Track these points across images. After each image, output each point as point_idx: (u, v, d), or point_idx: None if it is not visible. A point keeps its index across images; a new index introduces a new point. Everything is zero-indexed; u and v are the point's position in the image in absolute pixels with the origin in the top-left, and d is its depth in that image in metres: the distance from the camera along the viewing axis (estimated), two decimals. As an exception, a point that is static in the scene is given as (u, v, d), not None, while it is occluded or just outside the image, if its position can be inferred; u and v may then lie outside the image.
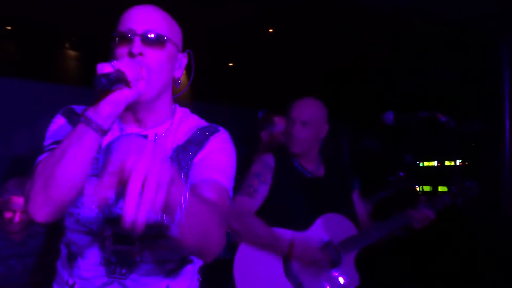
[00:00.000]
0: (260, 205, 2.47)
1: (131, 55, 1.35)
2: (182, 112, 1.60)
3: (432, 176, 6.15)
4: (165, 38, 1.41)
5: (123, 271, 1.42)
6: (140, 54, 1.36)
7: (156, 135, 1.48)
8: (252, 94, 6.77)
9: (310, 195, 2.50)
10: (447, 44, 5.16)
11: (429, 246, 4.81)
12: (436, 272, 4.79)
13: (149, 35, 1.38)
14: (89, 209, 1.40)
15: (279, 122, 3.31)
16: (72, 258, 1.45)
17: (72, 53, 5.12)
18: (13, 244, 3.06)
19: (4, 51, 4.67)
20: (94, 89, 1.25)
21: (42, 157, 1.38)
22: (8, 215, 3.00)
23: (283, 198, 2.47)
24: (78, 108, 1.50)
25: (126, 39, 1.38)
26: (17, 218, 3.01)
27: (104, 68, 1.23)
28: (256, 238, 2.40)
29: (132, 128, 1.48)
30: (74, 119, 1.45)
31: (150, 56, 1.38)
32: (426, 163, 6.37)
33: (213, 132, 1.56)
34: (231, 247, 2.81)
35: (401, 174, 2.97)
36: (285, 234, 2.42)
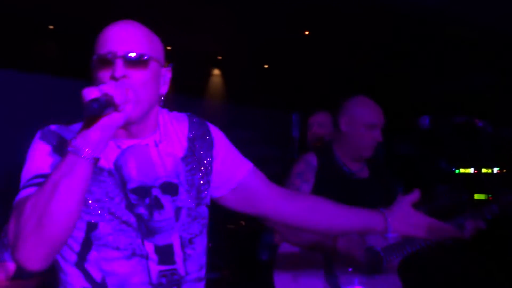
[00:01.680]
0: None
1: (114, 78, 1.29)
2: (160, 113, 1.52)
3: (468, 184, 6.02)
4: (147, 57, 1.34)
5: None
6: (124, 76, 1.30)
7: (155, 141, 1.44)
8: (286, 96, 6.78)
9: (353, 196, 2.44)
10: (483, 48, 5.06)
11: (472, 253, 4.69)
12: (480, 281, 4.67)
13: (130, 56, 1.31)
14: (125, 231, 1.35)
15: (323, 123, 3.32)
16: None
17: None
18: None
19: (44, 49, 4.79)
20: (81, 115, 1.20)
21: (23, 194, 1.27)
22: None
23: (326, 197, 2.44)
24: (58, 129, 1.40)
25: (107, 62, 1.31)
26: None
27: (91, 93, 1.18)
28: (299, 236, 2.38)
29: (128, 141, 1.41)
30: (58, 146, 1.35)
31: (134, 77, 1.32)
32: (462, 170, 6.25)
33: (203, 121, 1.57)
34: (269, 248, 2.82)
35: (457, 184, 2.84)
36: None
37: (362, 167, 2.58)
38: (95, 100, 1.15)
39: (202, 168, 1.50)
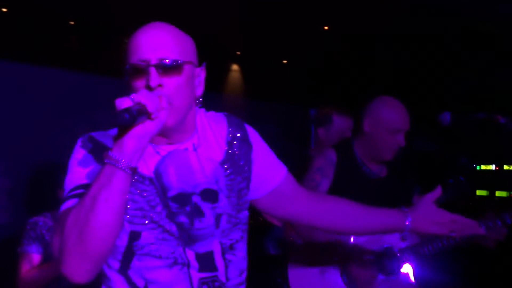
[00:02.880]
0: None
1: (149, 88, 1.27)
2: (197, 113, 1.51)
3: (489, 180, 5.94)
4: (180, 62, 1.32)
5: None
6: (159, 85, 1.28)
7: (193, 144, 1.43)
8: (305, 91, 6.75)
9: (371, 195, 2.41)
10: (506, 44, 4.97)
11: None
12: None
13: (164, 64, 1.30)
14: (167, 240, 1.35)
15: (336, 120, 3.29)
16: None
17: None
18: None
19: (67, 45, 4.85)
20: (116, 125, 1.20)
21: (68, 204, 1.27)
22: None
23: (344, 195, 2.44)
24: (98, 136, 1.40)
25: (140, 71, 1.30)
26: None
27: (123, 103, 1.17)
28: (316, 237, 2.37)
29: (168, 147, 1.41)
30: (98, 153, 1.34)
31: (169, 84, 1.30)
32: (483, 167, 6.17)
33: (241, 123, 1.57)
34: (279, 243, 2.82)
35: (462, 178, 2.81)
36: None
37: (381, 166, 2.56)
38: (126, 110, 1.14)
39: (242, 172, 1.49)
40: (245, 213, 1.50)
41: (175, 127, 1.35)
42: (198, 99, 1.43)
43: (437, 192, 1.67)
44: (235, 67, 6.32)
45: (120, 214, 1.20)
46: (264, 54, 6.11)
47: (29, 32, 4.49)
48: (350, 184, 2.45)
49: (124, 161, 1.18)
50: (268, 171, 1.58)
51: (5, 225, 4.08)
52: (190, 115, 1.42)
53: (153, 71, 1.28)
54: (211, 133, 1.49)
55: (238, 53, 6.21)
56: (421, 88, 6.36)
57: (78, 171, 1.33)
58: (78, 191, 1.28)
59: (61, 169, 3.29)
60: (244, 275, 1.48)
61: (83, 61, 4.89)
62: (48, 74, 4.57)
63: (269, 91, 6.35)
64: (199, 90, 1.43)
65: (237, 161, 1.49)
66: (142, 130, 1.21)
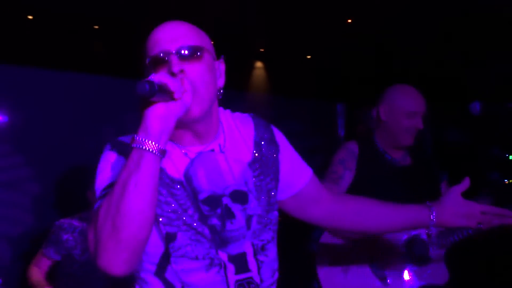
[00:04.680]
0: (344, 192, 2.46)
1: (172, 74, 1.28)
2: (222, 114, 1.52)
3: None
4: (200, 49, 1.35)
5: None
6: (181, 71, 1.30)
7: (220, 145, 1.44)
8: (330, 86, 6.71)
9: (397, 184, 2.46)
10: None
11: None
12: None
13: (184, 51, 1.32)
14: (201, 242, 1.35)
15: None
16: None
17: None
18: None
19: (91, 49, 4.90)
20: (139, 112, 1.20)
21: (98, 205, 1.27)
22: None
23: (369, 186, 2.44)
24: (126, 139, 1.40)
25: (161, 61, 1.32)
26: None
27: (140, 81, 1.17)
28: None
29: (194, 148, 1.41)
30: (128, 155, 1.31)
31: (191, 71, 1.32)
32: (516, 156, 6.02)
33: (268, 124, 1.57)
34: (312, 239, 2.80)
35: (504, 180, 2.70)
36: None
37: (404, 155, 2.58)
38: (148, 81, 1.13)
39: (270, 173, 1.49)
40: (275, 214, 1.50)
41: (201, 117, 1.35)
42: (220, 91, 1.43)
43: (466, 183, 1.64)
44: (259, 64, 6.31)
45: (152, 199, 1.18)
46: (287, 50, 6.08)
47: (55, 38, 4.56)
48: (375, 174, 2.48)
49: (151, 143, 1.17)
50: (294, 173, 1.58)
51: (35, 230, 4.16)
52: (214, 108, 1.43)
53: (174, 59, 1.30)
54: (238, 134, 1.49)
55: (262, 50, 6.19)
56: (451, 79, 6.24)
57: (108, 172, 1.33)
58: (109, 190, 1.26)
59: (90, 172, 3.36)
60: (276, 276, 1.48)
61: (109, 64, 4.94)
62: (75, 79, 4.65)
63: (294, 88, 6.33)
64: (221, 81, 1.44)
65: (265, 162, 1.48)
66: (165, 110, 1.20)
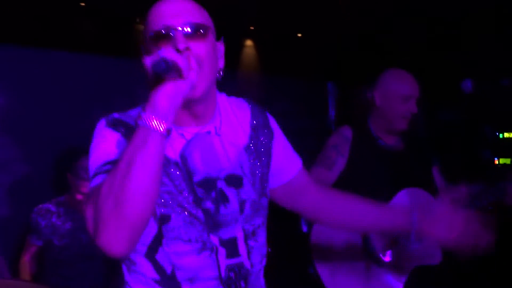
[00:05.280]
0: (336, 177, 2.47)
1: (178, 51, 1.26)
2: (218, 96, 1.51)
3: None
4: (205, 27, 1.33)
5: (242, 285, 1.39)
6: (187, 49, 1.28)
7: (215, 128, 1.42)
8: (321, 65, 6.67)
9: (390, 169, 2.47)
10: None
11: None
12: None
13: (189, 28, 1.30)
14: (194, 225, 1.33)
15: None
16: (178, 285, 1.35)
17: (142, 27, 5.22)
18: (78, 217, 3.20)
19: (78, 26, 4.81)
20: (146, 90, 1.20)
21: (97, 181, 1.26)
22: (79, 197, 3.13)
23: (362, 171, 2.46)
24: (121, 116, 1.40)
25: (164, 37, 1.30)
26: None
27: (152, 58, 1.18)
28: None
29: (191, 129, 1.40)
30: (124, 132, 1.34)
31: (196, 48, 1.30)
32: (506, 135, 6.05)
33: (263, 109, 1.56)
34: (307, 221, 2.81)
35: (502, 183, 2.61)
36: None
37: (397, 140, 2.61)
38: (163, 59, 1.14)
39: (263, 159, 1.48)
40: (266, 200, 1.49)
41: (203, 96, 1.34)
42: (219, 72, 1.41)
43: (460, 192, 1.66)
44: (249, 42, 6.24)
45: (156, 177, 1.16)
46: (278, 28, 6.01)
47: (40, 16, 4.46)
48: (367, 159, 2.50)
49: (158, 121, 1.16)
50: (285, 162, 1.57)
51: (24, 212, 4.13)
52: (213, 89, 1.42)
53: (179, 35, 1.28)
54: (234, 118, 1.48)
55: (252, 28, 6.11)
56: (443, 57, 6.22)
57: (105, 148, 1.31)
58: (108, 166, 1.26)
59: (78, 154, 3.32)
60: (264, 262, 1.48)
61: (96, 43, 4.86)
62: (62, 58, 4.57)
63: (285, 66, 6.28)
64: (221, 62, 1.42)
65: (259, 147, 1.47)
66: (174, 89, 1.19)
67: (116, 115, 1.39)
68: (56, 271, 3.17)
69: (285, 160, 1.57)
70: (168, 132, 1.18)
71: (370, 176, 2.46)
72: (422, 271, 2.40)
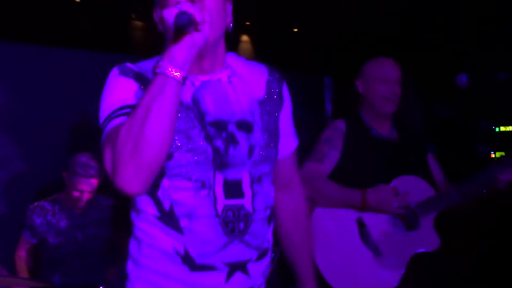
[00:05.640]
0: (330, 170, 2.47)
1: (191, 1, 1.31)
2: (231, 55, 1.56)
3: (508, 142, 5.85)
4: None
5: (241, 227, 1.40)
6: (200, 0, 1.33)
7: (228, 77, 1.47)
8: (318, 59, 6.66)
9: (385, 158, 2.49)
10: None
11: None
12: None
13: None
14: (199, 163, 1.36)
15: None
16: (176, 221, 1.37)
17: (138, 23, 5.21)
18: (74, 215, 3.19)
19: (74, 23, 4.80)
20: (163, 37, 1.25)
21: (113, 124, 1.31)
22: (75, 194, 3.13)
23: (357, 161, 2.47)
24: (133, 66, 1.45)
25: None
26: (84, 198, 3.14)
27: (172, 12, 1.22)
28: (328, 197, 2.41)
29: (200, 77, 1.44)
30: (137, 79, 1.40)
31: (208, 1, 1.35)
32: (502, 128, 6.06)
33: (281, 78, 1.60)
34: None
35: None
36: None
37: (391, 129, 2.61)
38: (184, 12, 1.20)
39: (273, 118, 1.51)
40: (275, 152, 1.51)
41: (213, 43, 1.39)
42: (229, 26, 1.46)
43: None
44: (245, 38, 6.23)
45: (172, 123, 1.23)
46: (274, 23, 6.01)
47: (36, 13, 4.45)
48: (361, 148, 2.51)
49: (175, 70, 1.22)
50: (285, 136, 1.58)
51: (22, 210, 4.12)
52: (221, 42, 1.47)
53: None
54: (248, 71, 1.52)
55: (248, 23, 6.11)
56: (440, 52, 6.22)
57: (120, 93, 1.37)
58: (124, 110, 1.32)
59: (72, 151, 3.30)
60: (269, 212, 1.49)
61: (92, 39, 4.85)
62: (59, 55, 4.55)
63: (281, 61, 6.27)
64: (229, 18, 1.46)
65: (271, 107, 1.51)
66: (190, 40, 1.25)
67: (129, 64, 1.45)
68: (52, 268, 3.17)
69: (286, 135, 1.58)
70: (184, 80, 1.24)
71: (365, 165, 2.47)
72: (419, 263, 2.40)
